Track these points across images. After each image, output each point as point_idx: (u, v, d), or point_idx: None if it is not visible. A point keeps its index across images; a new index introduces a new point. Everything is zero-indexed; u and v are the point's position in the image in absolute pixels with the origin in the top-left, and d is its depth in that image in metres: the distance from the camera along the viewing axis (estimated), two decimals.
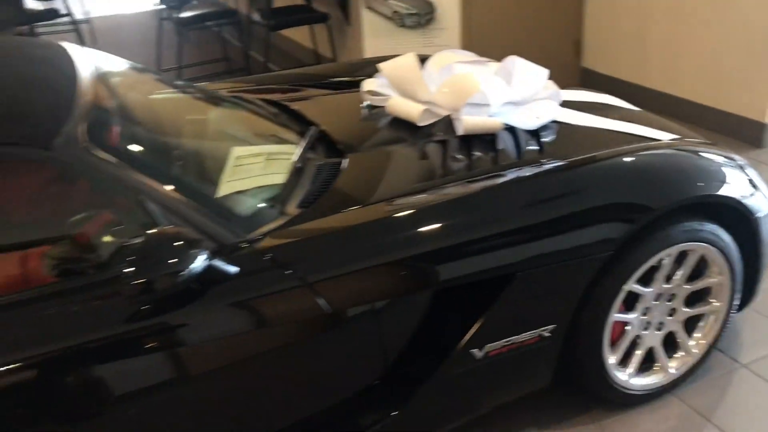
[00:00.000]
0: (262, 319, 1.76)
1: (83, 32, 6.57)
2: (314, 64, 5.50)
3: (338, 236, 1.87)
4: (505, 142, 2.36)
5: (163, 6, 6.27)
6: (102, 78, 2.08)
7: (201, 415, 1.79)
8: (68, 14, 6.21)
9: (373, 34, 4.65)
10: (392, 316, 1.91)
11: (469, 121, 2.38)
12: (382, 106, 2.59)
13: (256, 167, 2.15)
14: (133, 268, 1.58)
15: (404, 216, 1.94)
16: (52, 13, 5.95)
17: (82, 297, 1.67)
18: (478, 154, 2.28)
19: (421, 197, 2.03)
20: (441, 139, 2.37)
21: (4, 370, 1.57)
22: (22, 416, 1.62)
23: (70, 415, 1.67)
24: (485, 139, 2.37)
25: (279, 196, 2.00)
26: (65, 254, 1.79)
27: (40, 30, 6.00)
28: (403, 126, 2.48)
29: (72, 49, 2.21)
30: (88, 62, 2.14)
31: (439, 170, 2.21)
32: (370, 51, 4.65)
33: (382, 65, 2.67)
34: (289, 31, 6.17)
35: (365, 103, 2.68)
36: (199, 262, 1.61)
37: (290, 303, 1.77)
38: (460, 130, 2.37)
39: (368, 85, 2.69)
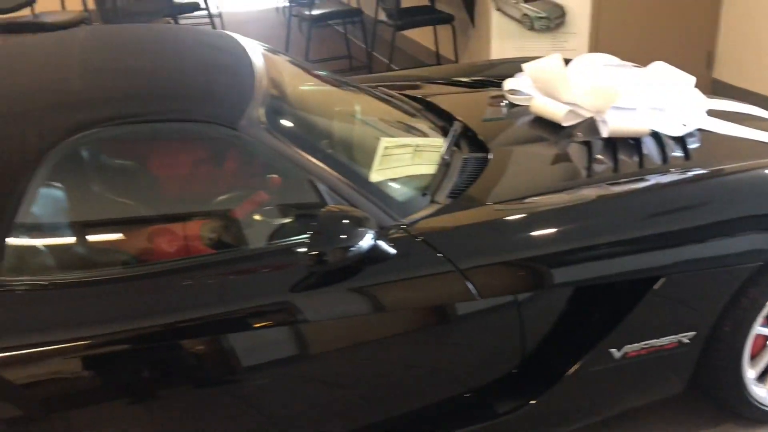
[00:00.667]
0: (415, 300, 1.85)
1: (216, 26, 6.93)
2: (435, 65, 5.59)
3: (488, 227, 1.93)
4: (650, 148, 2.36)
5: (293, 4, 6.52)
6: (270, 66, 2.22)
7: (342, 388, 1.89)
8: (206, 8, 6.58)
9: (500, 36, 4.69)
10: (534, 308, 1.96)
11: (615, 124, 2.39)
12: (524, 105, 2.64)
13: (405, 157, 2.25)
14: (308, 241, 1.70)
15: (552, 212, 1.98)
16: (193, 6, 6.36)
17: (252, 264, 1.80)
18: (622, 157, 2.30)
19: (566, 196, 2.07)
20: (584, 141, 2.40)
21: (162, 332, 1.70)
22: (170, 374, 1.75)
23: (221, 376, 1.78)
24: (629, 143, 2.38)
25: (430, 186, 2.08)
26: (236, 225, 1.93)
27: (182, 21, 6.38)
28: (544, 125, 2.51)
29: (240, 38, 2.38)
30: (256, 51, 2.29)
31: (582, 171, 2.24)
32: (496, 53, 4.69)
33: (526, 65, 2.72)
34: (411, 32, 6.28)
35: (505, 102, 2.73)
36: (367, 240, 1.71)
37: (442, 287, 1.84)
38: (605, 133, 2.39)
39: (510, 84, 2.74)
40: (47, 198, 1.73)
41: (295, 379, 1.82)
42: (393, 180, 2.06)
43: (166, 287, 1.73)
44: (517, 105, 2.69)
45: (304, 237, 1.77)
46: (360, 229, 1.70)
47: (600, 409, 2.13)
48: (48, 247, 1.75)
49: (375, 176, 2.01)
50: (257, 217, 1.99)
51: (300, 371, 1.82)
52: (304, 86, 2.45)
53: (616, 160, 2.29)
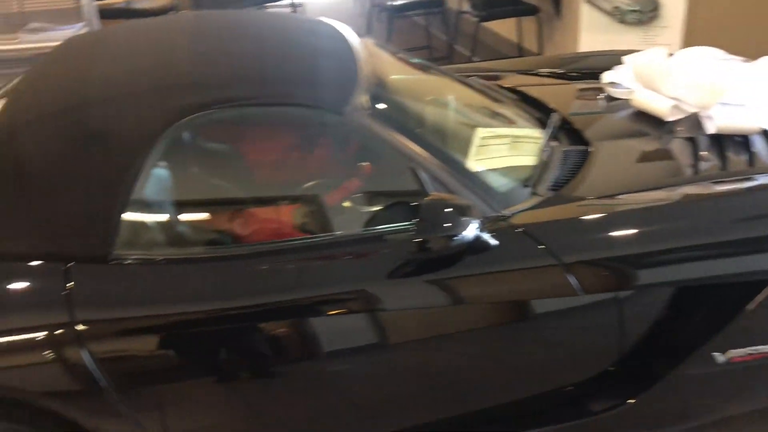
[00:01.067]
0: (514, 293, 1.82)
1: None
2: (518, 57, 5.50)
3: (592, 221, 1.89)
4: (758, 146, 2.26)
5: None
6: (369, 52, 2.23)
7: (435, 379, 1.88)
8: None
9: (589, 29, 4.57)
10: (635, 307, 1.90)
11: (721, 120, 2.30)
12: (624, 99, 2.57)
13: (503, 148, 2.22)
14: (410, 228, 1.69)
15: (657, 209, 1.92)
16: None
17: (355, 249, 1.81)
18: (729, 155, 2.21)
19: (671, 193, 2.01)
20: (688, 137, 2.31)
21: (251, 313, 1.73)
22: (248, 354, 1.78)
23: (301, 356, 1.80)
24: (736, 141, 2.28)
25: (531, 178, 2.05)
26: (334, 211, 1.95)
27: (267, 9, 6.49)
28: (646, 120, 2.44)
29: (338, 25, 2.39)
30: (354, 37, 2.30)
31: (687, 168, 2.16)
32: (584, 46, 4.57)
33: (628, 57, 2.65)
34: (493, 24, 6.19)
35: (603, 95, 2.67)
36: (471, 230, 1.69)
37: (543, 280, 1.82)
38: (712, 129, 2.30)
39: (609, 76, 2.67)
40: (159, 177, 1.79)
41: (388, 367, 1.83)
42: (493, 170, 2.04)
43: (266, 269, 1.76)
44: (616, 98, 2.61)
45: (403, 225, 1.77)
46: (464, 219, 1.68)
47: (698, 415, 2.06)
48: (158, 224, 1.80)
49: (476, 166, 1.99)
50: (352, 203, 2.01)
51: (393, 360, 1.83)
52: (401, 74, 2.45)
53: (722, 158, 2.20)
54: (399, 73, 2.44)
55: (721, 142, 2.27)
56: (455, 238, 1.68)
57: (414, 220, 1.71)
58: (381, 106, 1.95)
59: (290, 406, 1.84)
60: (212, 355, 1.74)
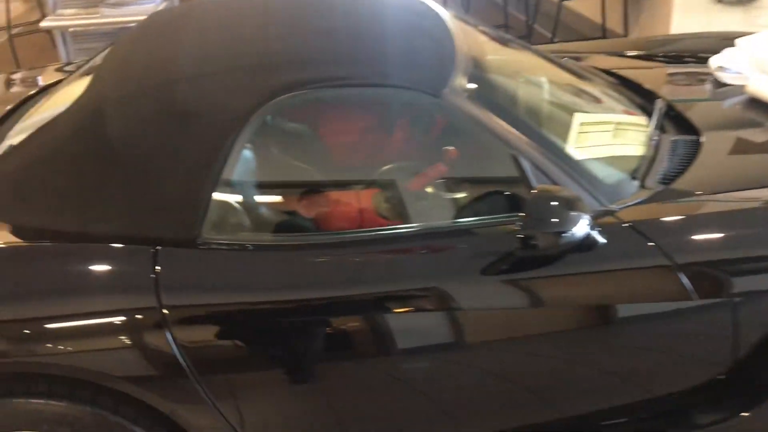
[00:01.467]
0: (622, 294, 1.69)
1: None
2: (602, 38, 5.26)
3: (708, 219, 1.75)
4: None
5: None
6: (465, 32, 2.10)
7: (528, 380, 1.78)
8: None
9: (683, 9, 4.31)
10: (751, 313, 1.74)
11: None
12: (735, 85, 2.37)
13: (605, 135, 2.07)
14: (513, 221, 1.58)
15: None
16: None
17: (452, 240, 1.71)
18: None
19: None
20: None
21: (340, 303, 1.64)
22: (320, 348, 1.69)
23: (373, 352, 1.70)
24: None
25: (638, 169, 1.90)
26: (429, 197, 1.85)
27: None
28: (761, 108, 2.24)
29: (433, 3, 2.26)
30: (449, 16, 2.17)
31: None
32: (677, 27, 4.33)
33: (741, 40, 2.44)
34: (576, 3, 5.95)
35: (710, 80, 2.47)
36: (582, 227, 1.56)
37: (653, 282, 1.68)
38: None
39: (718, 61, 2.47)
40: (248, 158, 1.72)
41: (481, 368, 1.73)
42: (598, 160, 1.89)
43: (357, 260, 1.67)
44: (726, 84, 2.42)
45: (499, 217, 1.69)
46: (574, 214, 1.55)
47: None
48: (246, 208, 1.74)
49: (580, 155, 1.85)
50: (438, 189, 1.91)
51: (487, 361, 1.73)
52: (496, 53, 2.31)
53: None
54: (494, 52, 2.31)
55: None
56: (564, 234, 1.55)
57: (513, 213, 1.60)
58: (480, 88, 1.83)
59: (373, 403, 1.76)
60: (294, 346, 1.67)
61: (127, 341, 1.55)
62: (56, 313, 1.54)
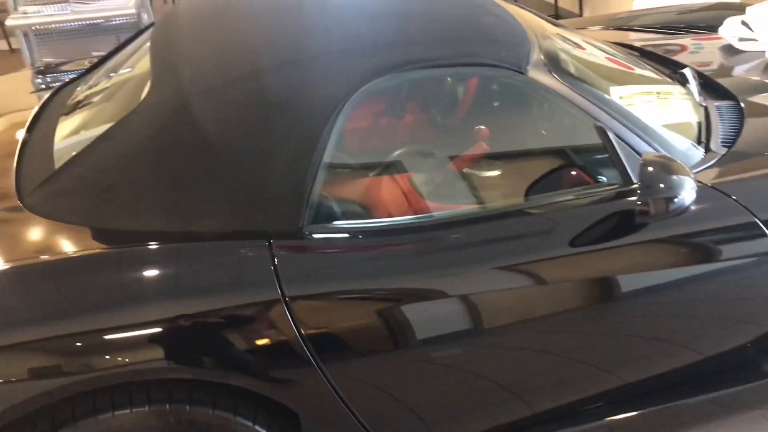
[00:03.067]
0: (717, 251, 1.77)
1: None
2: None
3: None
4: None
5: None
6: (516, 10, 2.12)
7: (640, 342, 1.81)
8: None
9: None
10: None
11: None
12: (753, 51, 2.50)
13: (650, 105, 2.14)
14: (618, 190, 1.62)
15: None
16: None
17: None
18: None
19: None
20: None
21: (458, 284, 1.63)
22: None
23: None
24: None
25: (700, 135, 1.98)
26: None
27: None
28: None
29: None
30: None
31: None
32: (640, 4, 4.49)
33: (751, 8, 2.57)
34: None
35: (723, 45, 2.60)
36: (690, 191, 1.61)
37: (746, 243, 1.76)
38: None
39: (730, 29, 2.59)
40: (344, 142, 1.68)
41: (602, 328, 1.76)
42: (666, 128, 1.96)
43: (467, 239, 1.67)
44: (742, 51, 2.54)
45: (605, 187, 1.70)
46: (682, 179, 1.60)
47: None
48: (348, 192, 1.71)
49: (654, 123, 1.90)
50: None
51: (609, 322, 1.75)
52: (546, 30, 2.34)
53: None
54: (544, 29, 2.33)
55: None
56: (675, 200, 1.60)
57: (610, 183, 1.63)
58: (554, 63, 1.86)
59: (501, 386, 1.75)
60: (420, 331, 1.62)
61: (253, 335, 1.50)
62: (175, 314, 1.48)
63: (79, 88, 2.20)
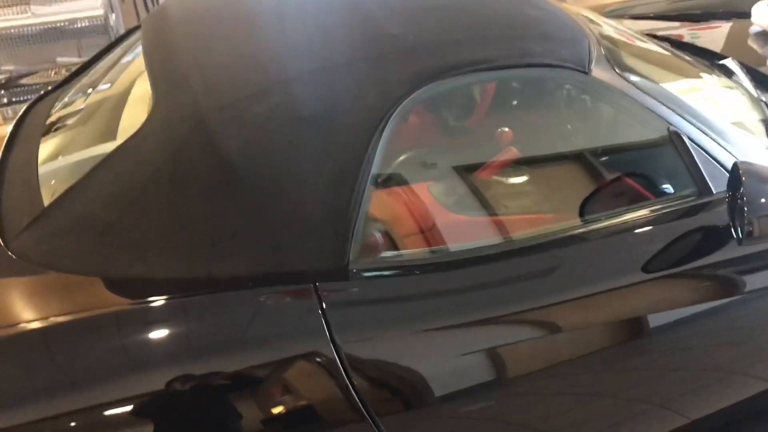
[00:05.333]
0: None
1: None
2: None
3: None
4: None
5: None
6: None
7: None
8: None
9: None
10: None
11: None
12: None
13: (713, 103, 1.95)
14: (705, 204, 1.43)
15: None
16: None
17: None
18: None
19: None
20: None
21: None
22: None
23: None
24: None
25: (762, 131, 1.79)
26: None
27: None
28: None
29: None
30: None
31: None
32: None
33: None
34: None
35: (755, 31, 2.42)
36: None
37: None
38: None
39: (762, 11, 2.42)
40: (389, 161, 1.44)
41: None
42: (735, 126, 1.76)
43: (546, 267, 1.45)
44: None
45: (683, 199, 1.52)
46: None
47: None
48: (398, 220, 1.46)
49: (727, 124, 1.70)
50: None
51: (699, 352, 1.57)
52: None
53: None
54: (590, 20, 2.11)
55: None
56: None
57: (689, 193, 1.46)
58: (615, 61, 1.64)
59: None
60: (489, 375, 1.40)
61: (305, 389, 1.25)
62: (216, 371, 1.22)
63: (58, 103, 1.91)
